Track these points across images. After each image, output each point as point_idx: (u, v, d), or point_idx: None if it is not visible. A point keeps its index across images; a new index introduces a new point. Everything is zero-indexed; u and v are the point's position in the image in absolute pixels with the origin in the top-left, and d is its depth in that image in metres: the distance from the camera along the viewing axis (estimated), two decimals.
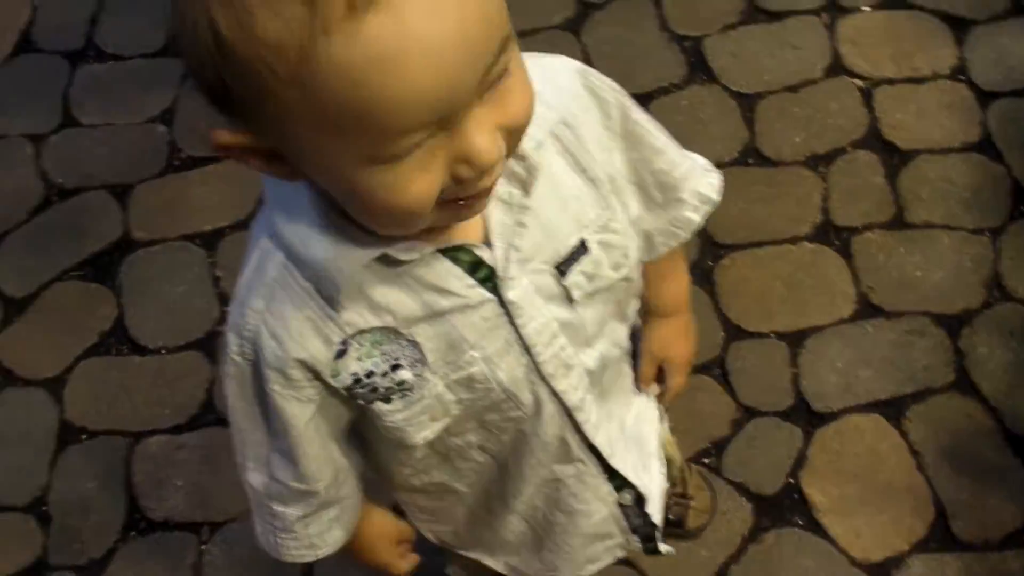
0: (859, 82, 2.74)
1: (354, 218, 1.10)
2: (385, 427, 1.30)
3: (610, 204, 1.31)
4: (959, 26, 2.82)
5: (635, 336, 1.57)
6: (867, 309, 2.46)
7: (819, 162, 2.62)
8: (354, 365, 1.22)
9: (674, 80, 2.77)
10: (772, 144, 2.64)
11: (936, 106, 2.70)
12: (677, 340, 1.66)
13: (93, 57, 3.02)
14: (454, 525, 1.61)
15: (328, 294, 1.16)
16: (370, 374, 1.23)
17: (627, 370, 1.56)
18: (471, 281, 1.21)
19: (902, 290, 2.47)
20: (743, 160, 2.62)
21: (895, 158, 2.63)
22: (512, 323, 1.26)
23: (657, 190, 1.42)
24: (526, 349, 1.29)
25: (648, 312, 1.62)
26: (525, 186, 1.19)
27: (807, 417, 2.36)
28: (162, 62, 2.97)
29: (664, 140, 1.40)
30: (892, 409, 2.35)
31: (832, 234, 2.54)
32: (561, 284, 1.28)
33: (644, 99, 2.69)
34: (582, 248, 1.28)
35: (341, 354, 1.21)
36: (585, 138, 1.27)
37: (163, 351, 2.54)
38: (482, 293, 1.22)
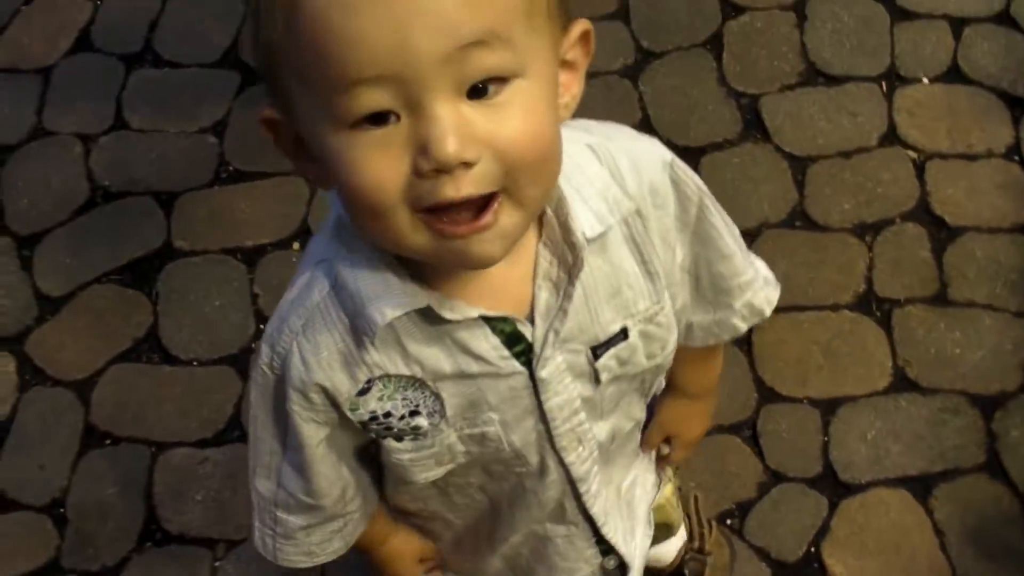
0: (913, 154, 2.73)
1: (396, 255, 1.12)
2: (390, 462, 1.32)
3: (661, 298, 1.30)
4: (1017, 106, 2.80)
5: (651, 404, 1.56)
6: (902, 383, 2.44)
7: (866, 231, 2.60)
8: (374, 404, 1.23)
9: (728, 136, 2.75)
10: (821, 208, 2.63)
11: (988, 184, 2.68)
12: (692, 420, 1.66)
13: (150, 62, 3.02)
14: (439, 546, 1.61)
15: (363, 333, 1.17)
16: (388, 415, 1.25)
17: (637, 437, 1.55)
18: (506, 353, 1.22)
19: (939, 367, 2.45)
20: (790, 222, 2.61)
21: (943, 233, 2.61)
22: (536, 395, 1.27)
23: (711, 290, 1.41)
24: (544, 419, 1.29)
25: (669, 387, 1.62)
26: (572, 275, 1.19)
27: (833, 487, 2.34)
28: (218, 73, 2.97)
29: (733, 246, 1.38)
30: (919, 486, 2.33)
31: (874, 304, 2.52)
32: (592, 365, 1.28)
33: (696, 153, 2.69)
34: (622, 335, 1.29)
35: (364, 392, 1.22)
36: (653, 231, 1.26)
37: (195, 363, 2.53)
38: (514, 365, 1.23)
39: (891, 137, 2.75)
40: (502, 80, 1.01)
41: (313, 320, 1.20)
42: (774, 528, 2.30)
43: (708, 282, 1.40)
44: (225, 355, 2.54)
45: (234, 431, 2.44)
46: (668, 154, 1.28)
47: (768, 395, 2.41)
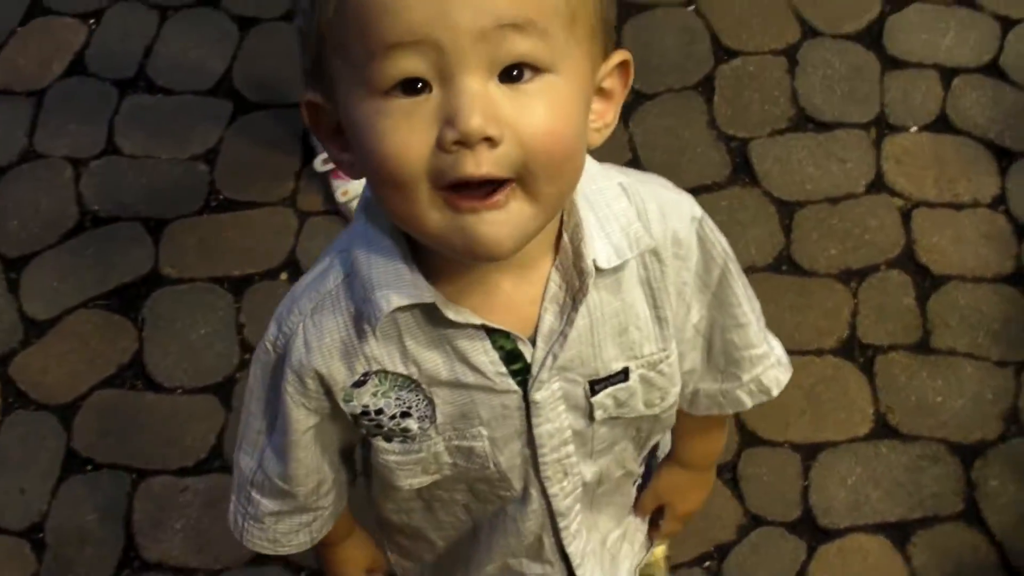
0: (899, 201, 2.74)
1: (390, 219, 1.14)
2: (376, 462, 1.32)
3: (668, 346, 1.30)
4: (1004, 156, 2.82)
5: (651, 463, 1.57)
6: (883, 429, 2.45)
7: (852, 277, 2.62)
8: (367, 398, 1.25)
9: (717, 179, 2.76)
10: (807, 254, 2.64)
11: (973, 234, 2.70)
12: (687, 492, 1.65)
13: (143, 88, 3.03)
14: (421, 568, 1.61)
15: (367, 323, 1.19)
16: (379, 412, 1.26)
17: (629, 491, 1.55)
18: (503, 370, 1.23)
19: (920, 414, 2.46)
20: (777, 267, 2.62)
21: (927, 281, 2.63)
22: (528, 418, 1.27)
23: (722, 357, 1.42)
24: (531, 444, 1.30)
25: (669, 456, 1.62)
26: (576, 301, 1.20)
27: (812, 531, 2.35)
28: (211, 101, 2.98)
29: (750, 316, 1.39)
30: (898, 532, 2.34)
31: (857, 351, 2.53)
32: (588, 399, 1.28)
33: None
34: (622, 375, 1.29)
35: (359, 384, 1.24)
36: (670, 279, 1.27)
37: (179, 391, 2.53)
38: (509, 384, 1.24)
39: (878, 184, 2.77)
40: (534, 69, 1.04)
41: (323, 305, 1.22)
42: (752, 571, 2.31)
43: (720, 349, 1.40)
44: (209, 384, 2.54)
45: (216, 461, 2.44)
46: (699, 211, 1.29)
47: (749, 439, 2.42)
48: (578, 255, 1.19)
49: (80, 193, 2.85)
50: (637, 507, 1.61)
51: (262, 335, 1.29)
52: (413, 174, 1.04)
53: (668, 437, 1.60)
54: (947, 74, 2.95)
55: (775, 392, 1.48)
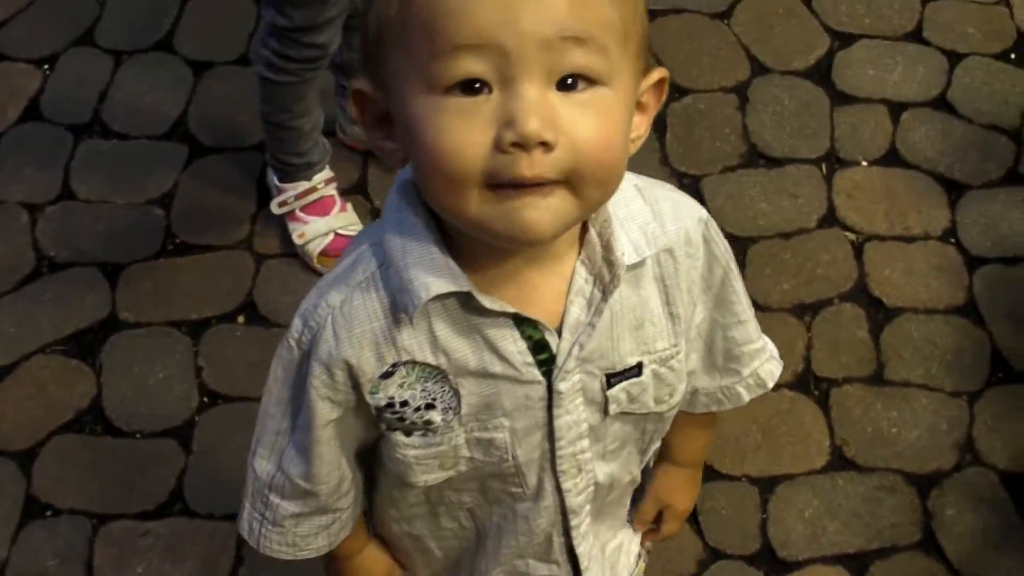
0: (851, 235, 2.78)
1: (429, 204, 1.18)
2: (393, 459, 1.34)
3: (679, 342, 1.35)
4: (953, 189, 2.87)
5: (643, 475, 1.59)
6: (840, 461, 2.47)
7: (805, 311, 2.65)
8: (394, 390, 1.27)
9: None
10: (760, 289, 2.67)
11: (925, 266, 2.74)
12: (684, 490, 1.69)
13: (98, 132, 3.04)
14: None
15: (403, 309, 1.21)
16: (404, 403, 1.28)
17: (626, 502, 1.58)
18: (530, 359, 1.26)
19: (876, 446, 2.49)
20: None
21: (880, 314, 2.66)
22: (549, 410, 1.30)
23: (722, 355, 1.46)
24: (550, 437, 1.32)
25: (663, 458, 1.65)
26: (606, 292, 1.24)
27: (771, 564, 2.36)
28: (166, 145, 2.99)
29: (749, 313, 1.44)
30: (856, 563, 2.37)
31: (812, 384, 2.56)
32: (604, 393, 1.32)
33: None
34: (636, 369, 1.32)
35: (387, 375, 1.26)
36: (682, 276, 1.31)
37: (138, 435, 2.53)
38: (535, 374, 1.27)
39: (830, 219, 2.81)
40: (590, 81, 1.09)
41: (352, 297, 1.24)
42: None
43: (722, 347, 1.45)
44: (168, 427, 2.53)
45: (176, 504, 2.44)
46: (704, 213, 1.34)
47: (707, 473, 2.42)
48: (608, 248, 1.23)
49: (36, 239, 2.85)
50: (639, 516, 1.65)
51: (301, 304, 1.30)
52: (468, 171, 1.08)
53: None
54: (896, 109, 3.00)
55: (770, 384, 1.52)
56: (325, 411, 1.29)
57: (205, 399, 2.56)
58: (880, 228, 2.80)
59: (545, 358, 1.27)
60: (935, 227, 2.80)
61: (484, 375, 1.26)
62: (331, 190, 2.75)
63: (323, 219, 2.72)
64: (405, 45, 1.09)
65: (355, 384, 1.27)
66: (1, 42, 3.24)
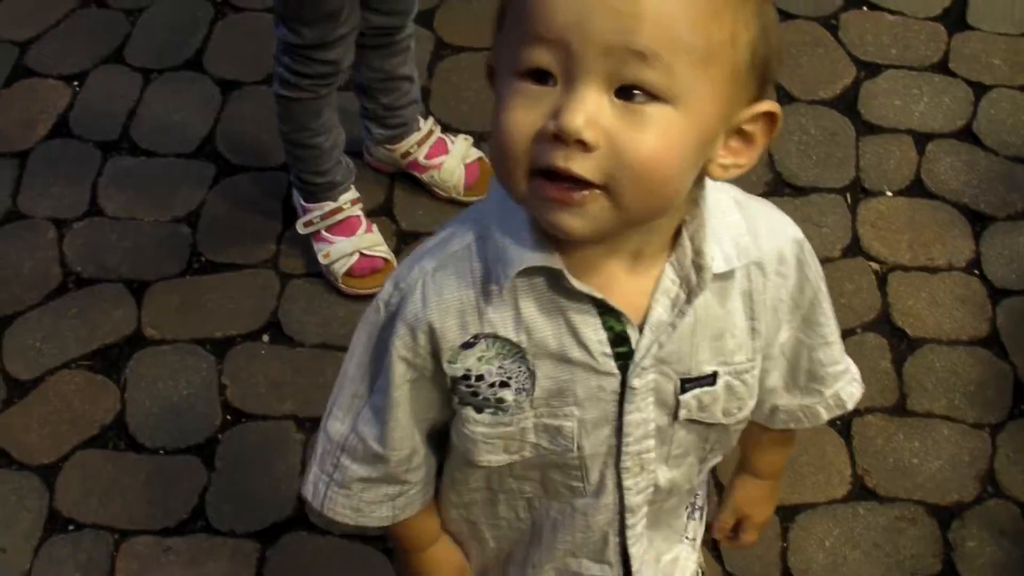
0: (875, 265, 2.78)
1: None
2: (461, 434, 1.36)
3: (756, 358, 1.36)
4: (978, 220, 2.87)
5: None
6: (861, 491, 2.47)
7: None
8: (472, 362, 1.30)
9: None
10: None
11: (949, 297, 2.74)
12: (763, 502, 1.72)
13: (126, 150, 3.06)
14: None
15: (494, 283, 1.26)
16: (480, 378, 1.31)
17: (683, 513, 1.58)
18: (609, 351, 1.28)
19: (897, 476, 2.49)
20: None
21: (903, 344, 2.67)
22: (620, 405, 1.32)
23: (805, 375, 1.47)
24: (618, 433, 1.34)
25: (743, 469, 1.68)
26: (691, 295, 1.26)
27: None
28: (193, 163, 3.01)
29: (835, 336, 1.47)
30: None
31: None
32: (676, 397, 1.33)
33: None
34: (711, 378, 1.34)
35: (468, 346, 1.29)
36: (769, 293, 1.33)
37: (161, 451, 2.54)
38: (611, 366, 1.29)
39: (854, 248, 2.81)
40: (651, 96, 1.11)
41: (447, 264, 1.29)
42: None
43: (806, 368, 1.46)
44: (191, 444, 2.54)
45: (198, 521, 2.45)
46: (801, 235, 1.36)
47: None
48: (699, 253, 1.25)
49: (63, 254, 2.86)
50: (718, 524, 1.70)
51: (395, 270, 1.37)
52: (517, 150, 1.14)
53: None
54: (921, 139, 3.01)
55: (850, 406, 1.54)
56: (402, 372, 1.33)
57: (228, 417, 2.57)
58: (904, 258, 2.80)
59: (623, 351, 1.29)
60: (959, 258, 2.81)
61: (562, 359, 1.29)
62: (357, 211, 2.76)
63: (348, 239, 2.73)
64: (508, 29, 1.16)
65: (435, 351, 1.30)
66: (31, 58, 3.27)
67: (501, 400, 1.31)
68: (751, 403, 1.40)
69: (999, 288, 2.77)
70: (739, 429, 1.45)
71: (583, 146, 1.10)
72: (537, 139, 1.12)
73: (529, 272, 1.24)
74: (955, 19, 3.28)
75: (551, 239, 1.22)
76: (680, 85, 1.10)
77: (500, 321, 1.27)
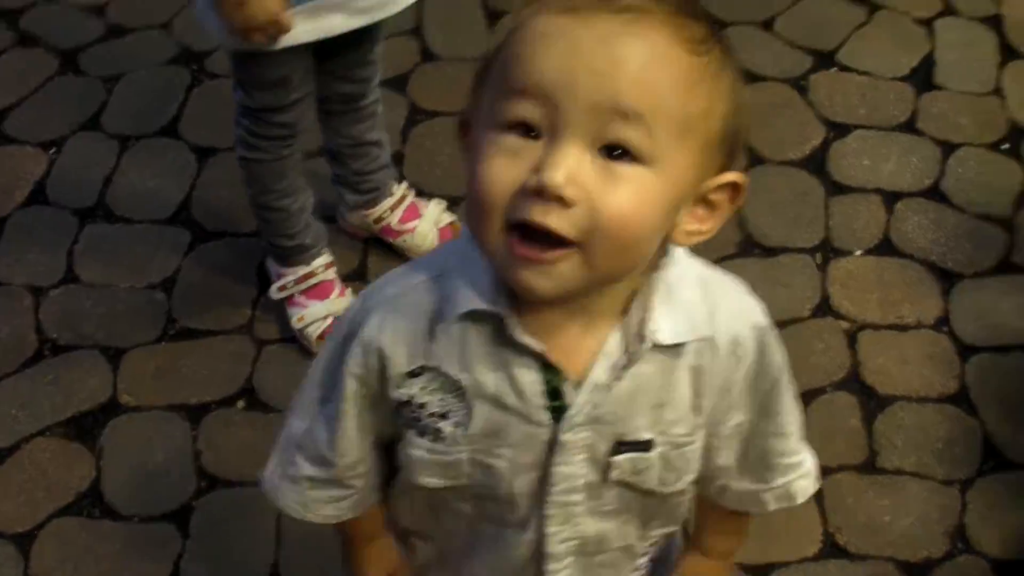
0: (845, 324, 2.81)
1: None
2: (403, 453, 1.40)
3: (695, 434, 1.38)
4: (946, 278, 2.90)
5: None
6: (832, 549, 2.48)
7: (799, 400, 2.65)
8: (416, 390, 1.34)
9: None
10: None
11: (918, 355, 2.76)
12: None
13: (102, 216, 3.08)
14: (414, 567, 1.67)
15: (442, 320, 1.30)
16: (422, 406, 1.35)
17: (625, 570, 1.59)
18: (544, 403, 1.31)
19: (868, 533, 2.50)
20: None
21: (873, 402, 2.69)
22: (550, 455, 1.34)
23: (757, 462, 1.49)
24: (545, 480, 1.37)
25: (693, 545, 1.68)
26: (630, 361, 1.28)
27: None
28: (169, 230, 3.03)
29: (792, 427, 1.49)
30: None
31: None
32: (608, 457, 1.35)
33: None
34: (646, 445, 1.36)
35: (414, 375, 1.34)
36: (718, 373, 1.35)
37: (136, 519, 2.54)
38: (544, 417, 1.32)
39: (824, 308, 2.84)
40: (631, 156, 1.14)
41: (405, 295, 1.33)
42: None
43: (757, 453, 1.47)
44: (167, 511, 2.54)
45: None
46: (765, 321, 1.38)
47: None
48: (643, 323, 1.27)
49: (39, 321, 2.88)
50: None
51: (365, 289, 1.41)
52: (495, 202, 1.16)
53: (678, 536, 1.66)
54: (890, 198, 3.04)
55: (799, 500, 1.55)
56: (353, 387, 1.38)
57: (203, 483, 2.57)
58: (874, 317, 2.83)
59: (558, 406, 1.31)
60: (928, 316, 2.83)
61: (498, 404, 1.31)
62: (331, 275, 2.78)
63: (322, 303, 2.75)
64: (495, 80, 1.19)
65: (383, 373, 1.34)
66: (9, 126, 3.30)
67: (439, 430, 1.35)
68: (689, 477, 1.41)
69: (967, 345, 2.79)
70: (680, 501, 1.46)
71: (562, 202, 1.12)
72: (517, 192, 1.14)
73: (478, 316, 1.27)
74: (922, 79, 3.33)
75: (506, 288, 1.25)
76: (659, 148, 1.14)
77: (446, 357, 1.31)
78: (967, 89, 3.30)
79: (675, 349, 1.30)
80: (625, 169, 1.14)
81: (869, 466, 2.59)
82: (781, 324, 2.66)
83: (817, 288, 2.87)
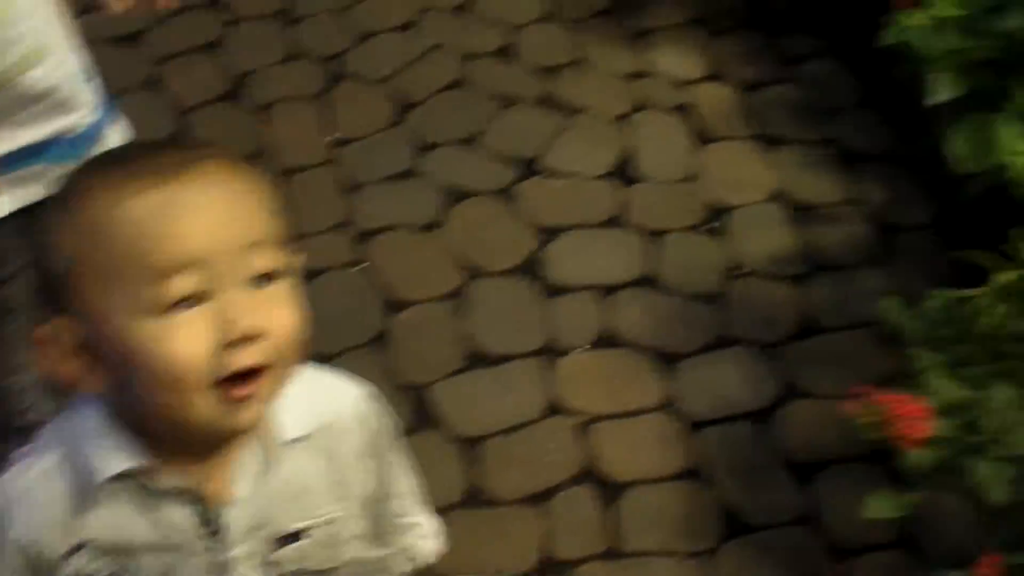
0: (575, 420, 2.89)
1: (137, 409, 1.29)
2: None
3: (345, 508, 1.49)
4: (668, 360, 3.01)
5: None
6: None
7: (539, 500, 2.74)
8: (82, 563, 1.38)
9: (402, 429, 2.84)
10: (494, 485, 2.76)
11: (648, 439, 2.87)
12: None
13: None
14: None
15: (87, 492, 1.34)
16: (92, 574, 1.39)
17: None
18: (203, 532, 1.39)
19: None
20: (467, 503, 2.73)
21: (610, 491, 2.77)
22: (226, 573, 1.42)
23: (381, 525, 1.58)
24: None
25: None
26: (268, 466, 1.38)
27: None
28: None
29: (405, 488, 1.60)
30: None
31: (553, 570, 2.64)
32: (274, 554, 1.44)
33: None
34: (302, 534, 1.45)
35: (72, 552, 1.38)
36: (344, 449, 1.46)
37: None
38: (209, 544, 1.40)
39: (553, 407, 2.92)
40: (274, 277, 1.28)
41: (39, 484, 1.36)
42: None
43: (380, 517, 1.57)
44: None
45: None
46: (363, 391, 1.50)
47: None
48: (269, 428, 1.38)
49: None
50: None
51: None
52: (199, 373, 1.23)
53: None
54: (604, 292, 3.14)
55: (420, 561, 1.67)
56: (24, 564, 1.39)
57: None
58: (602, 408, 2.91)
59: (217, 528, 1.39)
60: (653, 400, 2.93)
61: (162, 548, 1.38)
62: None
63: None
64: (115, 276, 1.23)
65: (45, 559, 1.37)
66: None
67: None
68: (356, 544, 1.52)
69: (696, 421, 2.90)
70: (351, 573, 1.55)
71: (255, 339, 1.25)
72: (215, 353, 1.23)
73: (119, 476, 1.33)
74: (624, 174, 3.43)
75: (135, 440, 1.32)
76: (281, 262, 1.29)
77: (98, 526, 1.36)
78: (666, 177, 3.41)
79: (304, 440, 1.41)
80: (276, 289, 1.28)
81: (614, 552, 2.67)
82: (514, 428, 2.81)
83: (544, 389, 2.95)
